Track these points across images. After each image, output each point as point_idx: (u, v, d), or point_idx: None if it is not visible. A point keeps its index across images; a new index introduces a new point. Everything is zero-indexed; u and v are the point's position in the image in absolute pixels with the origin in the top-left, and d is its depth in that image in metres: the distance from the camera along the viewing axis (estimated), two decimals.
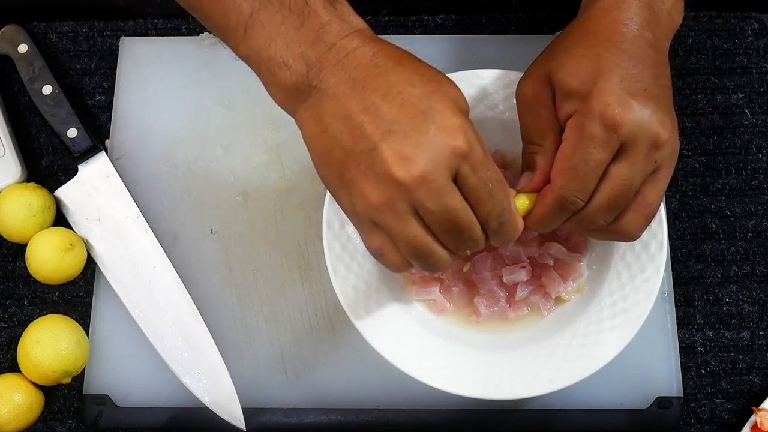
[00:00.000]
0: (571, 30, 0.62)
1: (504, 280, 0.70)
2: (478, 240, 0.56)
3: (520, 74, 0.70)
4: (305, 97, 0.55)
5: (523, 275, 0.70)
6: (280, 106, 0.58)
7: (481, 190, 0.54)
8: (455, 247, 0.56)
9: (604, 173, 0.57)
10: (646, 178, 0.58)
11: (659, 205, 0.61)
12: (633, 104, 0.56)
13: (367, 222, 0.55)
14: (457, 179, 0.53)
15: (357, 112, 0.53)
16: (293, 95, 0.56)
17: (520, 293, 0.70)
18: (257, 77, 0.58)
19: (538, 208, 0.60)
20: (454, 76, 0.71)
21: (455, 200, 0.53)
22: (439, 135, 0.52)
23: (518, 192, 0.61)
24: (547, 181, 0.60)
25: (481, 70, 0.71)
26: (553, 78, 0.59)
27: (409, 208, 0.53)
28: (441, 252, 0.55)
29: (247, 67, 0.83)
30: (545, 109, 0.60)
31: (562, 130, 0.59)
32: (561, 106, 0.59)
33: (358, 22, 0.56)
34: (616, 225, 0.60)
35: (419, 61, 0.56)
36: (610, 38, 0.59)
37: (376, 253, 0.56)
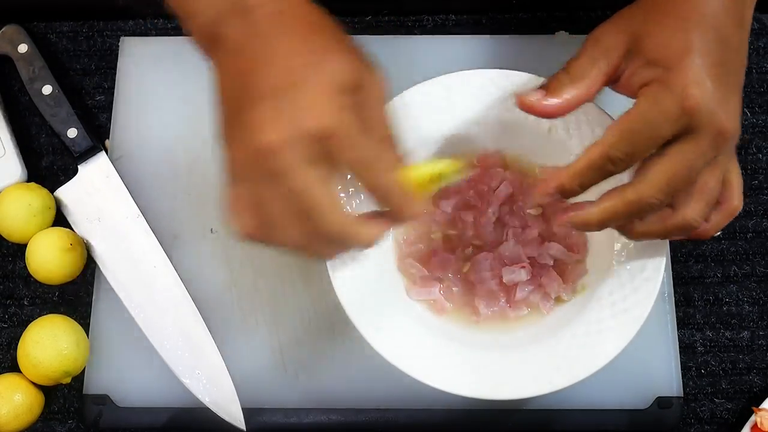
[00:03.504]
0: None
1: (504, 280, 0.70)
2: (335, 233, 0.53)
3: (520, 74, 0.70)
4: (215, 48, 0.56)
5: (523, 275, 0.70)
6: (203, 58, 0.58)
7: (356, 166, 0.53)
8: (297, 230, 0.53)
9: (663, 153, 0.57)
10: (706, 164, 0.58)
11: (718, 194, 0.61)
12: (712, 90, 0.56)
13: (231, 179, 0.55)
14: (328, 157, 0.52)
15: (245, 71, 0.53)
16: (205, 43, 0.56)
17: (520, 293, 0.70)
18: None
19: (579, 161, 0.59)
20: (453, 76, 0.71)
21: (304, 179, 0.51)
22: (304, 110, 0.51)
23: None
24: (555, 108, 0.60)
25: (480, 69, 0.71)
26: (638, 41, 0.59)
27: (262, 176, 0.52)
28: (290, 231, 0.53)
29: None
30: (609, 61, 0.60)
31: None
32: (638, 70, 0.59)
33: None
34: (678, 215, 0.60)
35: (319, 27, 0.55)
36: (704, 11, 0.58)
37: (231, 211, 0.55)
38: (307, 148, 0.51)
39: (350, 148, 0.52)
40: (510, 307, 0.70)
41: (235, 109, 0.54)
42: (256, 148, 0.51)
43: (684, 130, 0.57)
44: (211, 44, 0.56)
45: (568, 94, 0.61)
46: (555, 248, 0.70)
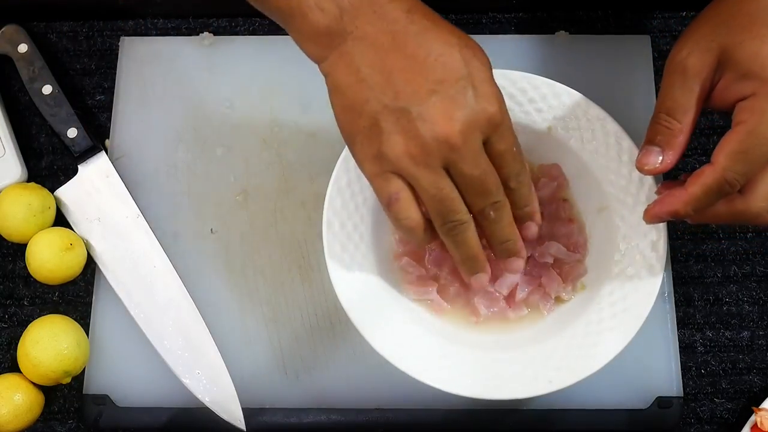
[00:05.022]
0: (743, 1, 0.59)
1: (503, 292, 0.70)
2: (502, 203, 0.59)
3: (520, 74, 0.70)
4: (338, 43, 0.56)
5: (516, 278, 0.69)
6: (308, 54, 0.58)
7: (508, 155, 0.58)
8: (479, 209, 0.58)
9: None
10: None
11: None
12: None
13: (387, 171, 0.56)
14: (486, 144, 0.56)
15: (400, 68, 0.55)
16: (325, 40, 0.57)
17: (520, 294, 0.70)
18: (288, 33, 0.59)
19: (694, 188, 0.59)
20: None
21: (486, 162, 0.57)
22: (479, 101, 0.55)
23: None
24: (676, 161, 0.60)
25: None
26: (728, 54, 0.58)
27: (442, 164, 0.56)
28: (464, 212, 0.58)
29: (247, 66, 0.83)
30: (703, 84, 0.59)
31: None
32: (732, 84, 0.58)
33: None
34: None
35: (449, 23, 0.57)
36: None
37: (391, 199, 0.57)
38: (482, 135, 0.56)
39: (511, 134, 0.58)
40: (510, 307, 0.70)
41: (390, 107, 0.55)
42: (435, 137, 0.55)
43: None
44: (335, 42, 0.56)
45: (682, 138, 0.60)
46: (555, 247, 0.70)
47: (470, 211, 0.58)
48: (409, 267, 0.71)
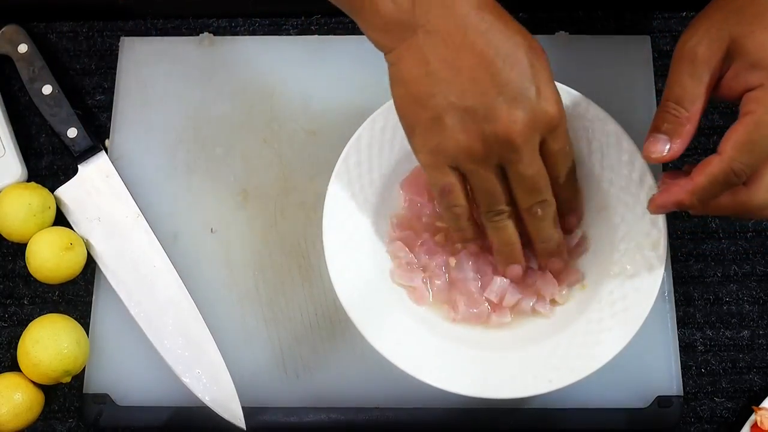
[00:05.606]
0: None
1: (494, 300, 0.69)
2: (549, 202, 0.62)
3: None
4: (408, 35, 0.57)
5: (505, 283, 0.69)
6: (375, 43, 0.60)
7: (561, 154, 0.60)
8: (528, 206, 0.61)
9: None
10: None
11: None
12: None
13: (444, 164, 0.59)
14: (542, 143, 0.59)
15: (471, 65, 0.56)
16: (394, 30, 0.58)
17: (509, 300, 0.69)
18: (355, 20, 0.60)
19: (700, 178, 0.59)
20: None
21: (540, 163, 0.60)
22: (543, 103, 0.57)
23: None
24: (683, 148, 0.60)
25: None
26: (738, 44, 0.58)
27: (498, 162, 0.59)
28: (505, 205, 0.61)
29: (247, 66, 0.83)
30: (711, 72, 0.59)
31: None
32: (740, 74, 0.58)
33: None
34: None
35: (516, 22, 0.59)
36: None
37: (445, 189, 0.61)
38: (540, 136, 0.58)
39: (564, 135, 0.60)
40: (494, 312, 0.70)
41: (457, 103, 0.57)
42: (497, 137, 0.57)
43: None
44: (404, 33, 0.57)
45: (690, 127, 0.60)
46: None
47: (519, 207, 0.62)
48: (400, 252, 0.71)
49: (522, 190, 0.61)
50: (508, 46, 0.57)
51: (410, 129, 0.60)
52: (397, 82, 0.59)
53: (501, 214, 0.62)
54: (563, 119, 0.59)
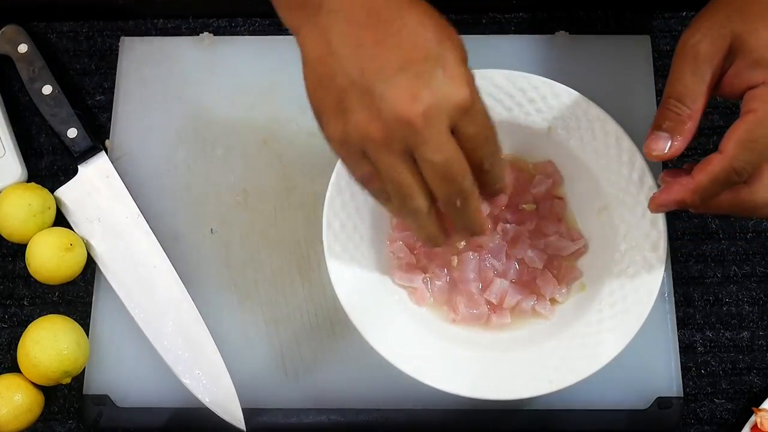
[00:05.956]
0: None
1: (493, 300, 0.70)
2: (468, 191, 0.55)
3: (520, 74, 0.70)
4: (313, 13, 0.54)
5: (505, 284, 0.69)
6: (286, 24, 0.57)
7: (479, 138, 0.54)
8: (443, 195, 0.55)
9: None
10: None
11: None
12: None
13: (356, 151, 0.54)
14: (455, 128, 0.53)
15: (370, 43, 0.52)
16: (299, 9, 0.55)
17: (509, 301, 0.70)
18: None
19: (701, 177, 0.58)
20: None
21: (451, 147, 0.53)
22: (447, 82, 0.52)
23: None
24: (684, 146, 0.59)
25: (480, 69, 0.71)
26: (741, 41, 0.57)
27: (404, 148, 0.53)
28: (421, 199, 0.55)
29: (247, 66, 0.83)
30: (713, 70, 0.58)
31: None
32: (742, 71, 0.58)
33: None
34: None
35: (428, 5, 0.55)
36: None
37: (363, 180, 0.56)
38: (449, 119, 0.52)
39: (482, 118, 0.54)
40: (494, 313, 0.70)
41: (357, 83, 0.52)
42: (397, 118, 0.52)
43: None
44: (310, 11, 0.54)
45: (691, 125, 0.59)
46: (553, 246, 0.71)
47: (435, 197, 0.55)
48: (401, 252, 0.71)
49: (433, 179, 0.54)
50: (413, 24, 0.53)
51: (318, 116, 0.55)
52: (304, 66, 0.55)
53: (412, 212, 0.56)
54: (476, 101, 0.54)
